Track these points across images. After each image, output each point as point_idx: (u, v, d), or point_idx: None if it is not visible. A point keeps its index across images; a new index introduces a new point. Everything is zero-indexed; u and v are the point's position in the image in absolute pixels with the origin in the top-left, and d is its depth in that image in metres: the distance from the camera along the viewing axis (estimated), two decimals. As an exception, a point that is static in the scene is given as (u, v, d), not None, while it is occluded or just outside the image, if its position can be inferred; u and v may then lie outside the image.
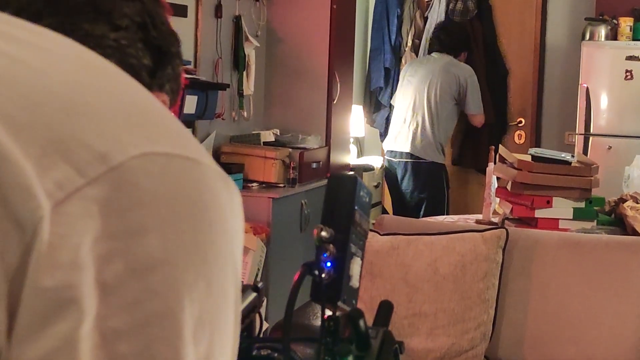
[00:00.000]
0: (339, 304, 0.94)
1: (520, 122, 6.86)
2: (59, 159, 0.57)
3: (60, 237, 0.55)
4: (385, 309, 1.03)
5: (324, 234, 0.93)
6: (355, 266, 0.96)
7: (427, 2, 7.12)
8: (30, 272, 0.55)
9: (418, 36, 7.11)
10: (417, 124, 5.82)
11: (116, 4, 0.81)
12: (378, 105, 7.28)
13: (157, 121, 0.64)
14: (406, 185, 5.82)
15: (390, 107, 7.24)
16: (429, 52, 6.21)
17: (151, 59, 0.84)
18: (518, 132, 6.88)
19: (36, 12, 0.76)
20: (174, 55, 0.88)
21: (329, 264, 0.93)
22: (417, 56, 7.06)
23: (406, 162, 5.82)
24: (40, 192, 0.55)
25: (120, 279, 0.57)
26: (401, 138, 5.86)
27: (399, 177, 5.86)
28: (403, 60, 7.14)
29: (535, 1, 6.85)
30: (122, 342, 0.56)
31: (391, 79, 7.20)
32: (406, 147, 5.81)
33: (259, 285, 1.06)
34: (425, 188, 5.75)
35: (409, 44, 7.14)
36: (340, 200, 0.95)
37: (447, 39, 6.01)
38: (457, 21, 6.67)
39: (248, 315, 1.05)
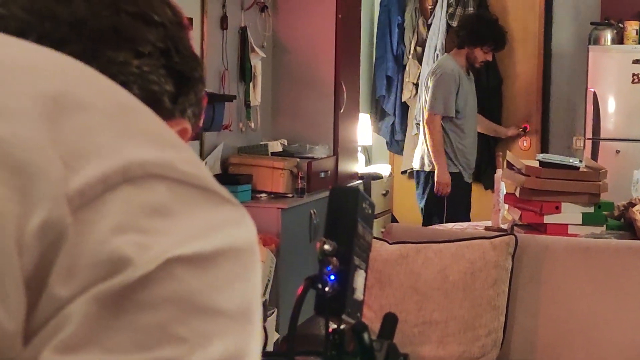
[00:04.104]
0: (344, 317, 0.94)
1: (526, 128, 6.76)
2: (82, 167, 0.59)
3: (86, 238, 0.58)
4: (389, 322, 1.03)
5: (326, 247, 0.93)
6: (359, 279, 0.96)
7: (430, 9, 7.10)
8: (51, 279, 0.57)
9: (421, 44, 7.09)
10: (419, 134, 5.78)
11: (139, 30, 0.81)
12: (383, 113, 7.29)
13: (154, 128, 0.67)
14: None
15: (395, 115, 7.24)
16: None
17: (173, 84, 0.84)
18: (523, 138, 6.80)
19: (60, 39, 0.76)
20: (196, 80, 0.87)
21: (332, 277, 0.92)
22: (420, 64, 7.02)
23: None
24: (64, 200, 0.57)
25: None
26: None
27: None
28: (407, 68, 7.13)
29: (538, 5, 6.77)
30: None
31: (394, 87, 7.20)
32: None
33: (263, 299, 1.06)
34: (421, 197, 5.67)
35: (412, 51, 7.14)
36: (342, 213, 0.95)
37: (456, 33, 5.76)
38: (472, 14, 6.48)
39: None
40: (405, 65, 7.18)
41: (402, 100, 7.17)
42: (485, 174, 6.47)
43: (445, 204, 5.44)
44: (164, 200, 0.60)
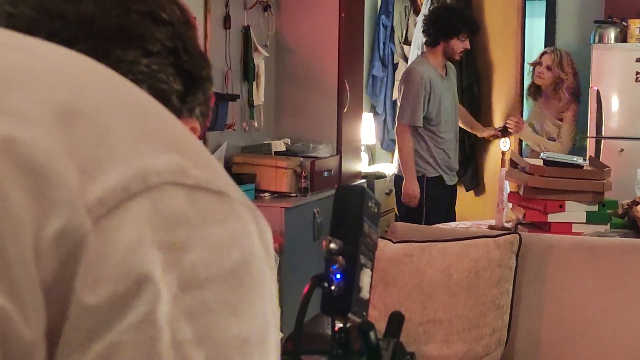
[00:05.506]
0: (350, 315, 0.94)
1: (506, 128, 6.41)
2: (99, 174, 0.58)
3: (107, 250, 0.56)
4: (396, 320, 1.03)
5: (332, 245, 0.93)
6: (365, 277, 0.96)
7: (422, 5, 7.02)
8: (77, 288, 0.55)
9: (409, 42, 7.06)
10: None
11: (148, 29, 0.81)
12: (375, 112, 7.33)
13: (184, 141, 0.65)
14: None
15: (385, 113, 7.25)
16: None
17: (182, 83, 0.84)
18: (502, 139, 6.36)
19: (69, 38, 0.76)
20: (204, 79, 0.88)
21: (338, 275, 0.92)
22: (406, 62, 6.92)
23: None
24: (82, 207, 0.56)
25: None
26: None
27: None
28: (398, 67, 7.15)
29: (517, 2, 6.37)
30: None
31: (384, 86, 7.21)
32: None
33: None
34: (398, 202, 5.44)
35: (399, 50, 7.17)
36: (348, 212, 0.95)
37: (425, 31, 5.44)
38: (435, 8, 6.11)
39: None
40: (397, 64, 7.19)
41: (393, 99, 7.17)
42: (464, 177, 6.32)
43: (424, 209, 5.22)
44: (183, 209, 0.59)
